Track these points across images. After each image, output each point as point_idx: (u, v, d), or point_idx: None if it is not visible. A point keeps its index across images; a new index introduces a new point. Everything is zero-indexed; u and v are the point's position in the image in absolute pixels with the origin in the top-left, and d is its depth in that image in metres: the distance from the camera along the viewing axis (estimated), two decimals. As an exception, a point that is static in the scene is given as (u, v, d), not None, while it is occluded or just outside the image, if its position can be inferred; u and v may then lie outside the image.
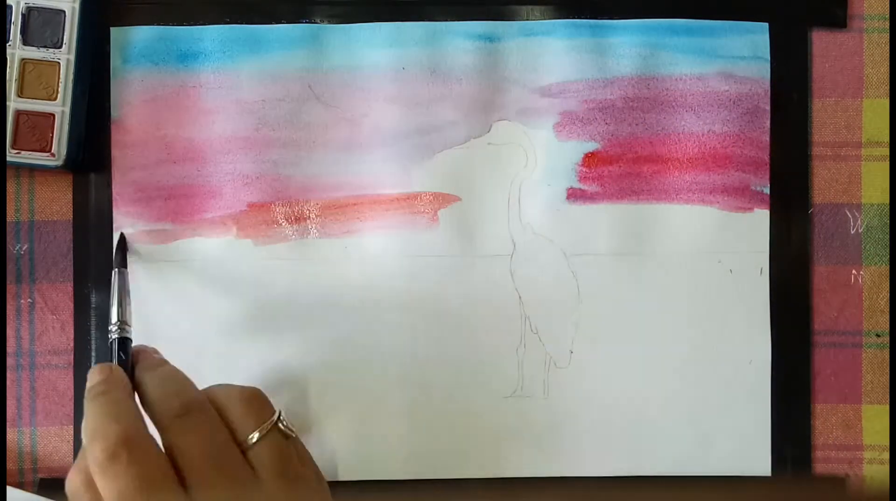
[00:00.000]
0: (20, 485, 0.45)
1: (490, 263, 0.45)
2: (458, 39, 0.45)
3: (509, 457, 0.45)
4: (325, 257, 0.45)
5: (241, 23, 0.45)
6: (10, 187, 0.45)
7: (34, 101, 0.43)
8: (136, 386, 0.39)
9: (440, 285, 0.45)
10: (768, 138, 0.45)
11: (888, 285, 0.45)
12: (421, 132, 0.45)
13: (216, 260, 0.45)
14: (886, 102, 0.45)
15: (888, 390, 0.45)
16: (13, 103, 0.43)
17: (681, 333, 0.45)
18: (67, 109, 0.43)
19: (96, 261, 0.45)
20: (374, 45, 0.45)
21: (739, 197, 0.45)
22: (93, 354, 0.45)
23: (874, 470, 0.45)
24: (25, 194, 0.45)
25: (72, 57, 0.43)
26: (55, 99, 0.43)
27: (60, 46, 0.43)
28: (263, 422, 0.38)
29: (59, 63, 0.43)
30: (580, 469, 0.45)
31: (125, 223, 0.45)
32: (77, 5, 0.43)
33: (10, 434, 0.45)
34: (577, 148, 0.45)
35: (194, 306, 0.45)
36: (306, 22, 0.45)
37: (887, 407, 0.45)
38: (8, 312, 0.45)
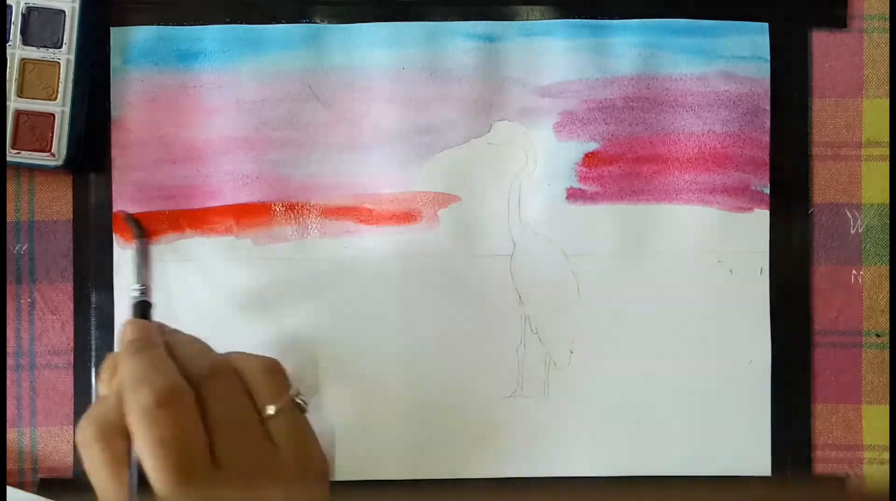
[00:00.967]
0: (20, 485, 0.45)
1: (490, 263, 0.45)
2: (458, 39, 0.45)
3: (509, 457, 0.45)
4: (325, 257, 0.45)
5: (242, 23, 0.45)
6: (10, 187, 0.45)
7: (34, 101, 0.43)
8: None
9: (440, 285, 0.45)
10: (768, 138, 0.45)
11: (888, 285, 0.45)
12: (421, 132, 0.45)
13: (216, 260, 0.45)
14: (886, 102, 0.45)
15: (888, 390, 0.45)
16: (13, 103, 0.43)
17: (681, 333, 0.45)
18: (67, 109, 0.43)
19: (96, 261, 0.45)
20: (374, 45, 0.45)
21: (739, 197, 0.45)
22: (93, 354, 0.45)
23: (874, 470, 0.45)
24: (25, 194, 0.45)
25: (72, 57, 0.43)
26: (55, 99, 0.43)
27: (60, 46, 0.43)
28: (282, 394, 0.38)
29: (59, 63, 0.43)
30: (580, 469, 0.45)
31: (125, 224, 0.45)
32: (77, 5, 0.43)
33: (10, 434, 0.45)
34: (576, 148, 0.45)
35: (194, 306, 0.45)
36: (306, 22, 0.45)
37: (887, 407, 0.45)
38: (8, 312, 0.45)
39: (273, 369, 0.39)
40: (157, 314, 0.45)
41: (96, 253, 0.45)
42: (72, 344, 0.45)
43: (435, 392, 0.45)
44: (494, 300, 0.45)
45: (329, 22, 0.45)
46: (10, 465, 0.45)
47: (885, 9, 0.45)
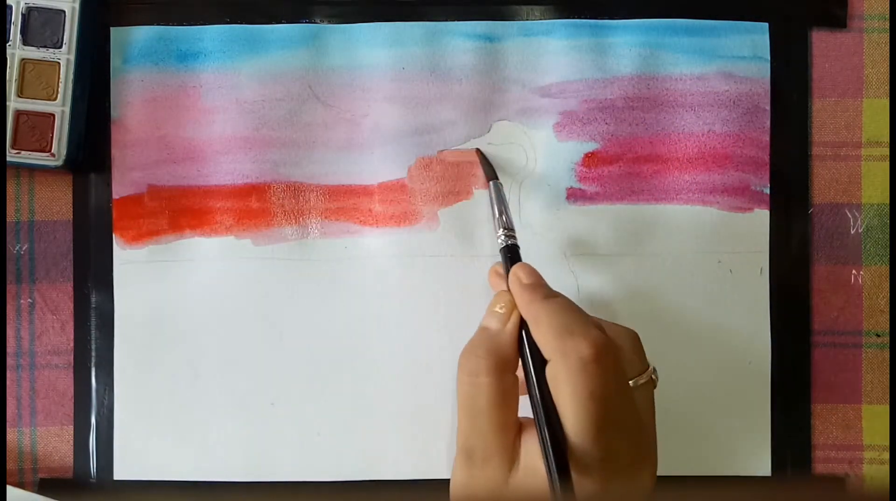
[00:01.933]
0: (20, 485, 0.45)
1: (490, 263, 0.45)
2: (458, 39, 0.45)
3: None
4: (325, 257, 0.45)
5: (241, 23, 0.45)
6: (10, 187, 0.45)
7: (34, 101, 0.43)
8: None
9: (440, 285, 0.45)
10: (768, 138, 0.45)
11: (888, 285, 0.45)
12: (421, 132, 0.45)
13: (216, 260, 0.45)
14: (886, 102, 0.45)
15: (888, 390, 0.45)
16: (13, 103, 0.43)
17: (680, 333, 0.45)
18: (67, 109, 0.44)
19: (96, 261, 0.45)
20: (374, 45, 0.45)
21: (739, 197, 0.45)
22: (93, 354, 0.45)
23: (874, 470, 0.45)
24: (25, 194, 0.45)
25: (72, 57, 0.43)
26: (55, 99, 0.43)
27: (60, 46, 0.43)
28: (646, 367, 0.39)
29: (59, 63, 0.43)
30: (580, 469, 0.45)
31: (125, 223, 0.45)
32: (77, 5, 0.43)
33: (10, 434, 0.45)
34: (576, 148, 0.45)
35: (194, 306, 0.45)
36: (306, 22, 0.45)
37: (887, 407, 0.45)
38: (8, 312, 0.45)
39: (638, 341, 0.39)
40: (157, 314, 0.45)
41: (96, 253, 0.45)
42: (72, 344, 0.45)
43: (435, 392, 0.45)
44: (494, 300, 0.45)
45: (329, 22, 0.45)
46: (10, 465, 0.45)
47: (885, 9, 0.45)
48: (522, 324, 0.37)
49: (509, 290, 0.39)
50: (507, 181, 0.45)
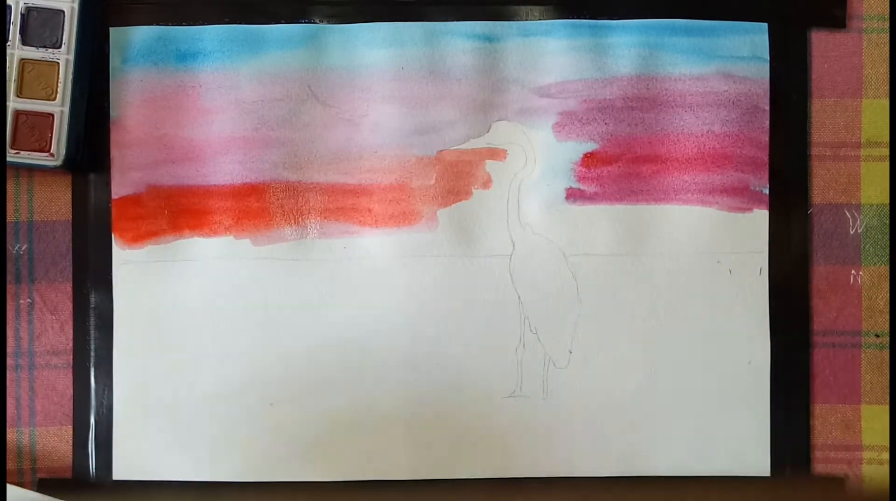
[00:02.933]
0: (20, 485, 0.45)
1: (489, 263, 0.45)
2: (458, 40, 0.45)
3: (509, 457, 0.45)
4: (325, 257, 0.45)
5: (241, 23, 0.45)
6: (10, 187, 0.45)
7: (33, 101, 0.43)
8: None
9: (439, 286, 0.45)
10: (767, 138, 0.45)
11: (887, 286, 0.45)
12: (420, 132, 0.45)
13: (215, 260, 0.45)
14: (886, 102, 0.45)
15: (887, 390, 0.45)
16: (12, 103, 0.43)
17: (680, 333, 0.45)
18: (66, 109, 0.43)
19: (95, 261, 0.45)
20: (374, 46, 0.45)
21: (739, 197, 0.45)
22: (92, 354, 0.45)
23: (873, 470, 0.45)
24: (25, 194, 0.45)
25: (71, 57, 0.43)
26: (54, 99, 0.43)
27: (60, 46, 0.43)
28: None
29: (58, 63, 0.43)
30: (579, 470, 0.45)
31: (124, 224, 0.45)
32: (76, 5, 0.43)
33: (10, 434, 0.45)
34: (576, 148, 0.45)
35: (193, 306, 0.45)
36: (305, 22, 0.45)
37: (887, 407, 0.45)
38: (7, 312, 0.45)
39: None
40: (156, 314, 0.45)
41: (95, 253, 0.45)
42: (71, 344, 0.45)
43: (434, 392, 0.45)
44: (494, 301, 0.45)
45: (328, 22, 0.45)
46: (9, 464, 0.45)
47: (885, 9, 0.45)
48: None
49: None
50: (507, 181, 0.45)
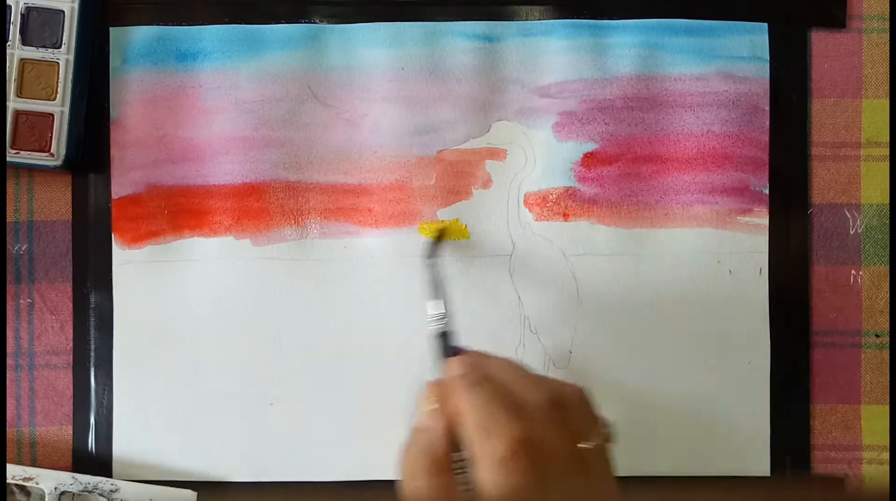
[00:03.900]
0: (19, 485, 0.45)
1: (490, 263, 0.45)
2: (458, 39, 0.45)
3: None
4: (325, 257, 0.45)
5: (241, 23, 0.45)
6: (10, 187, 0.45)
7: (33, 101, 0.43)
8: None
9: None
10: (767, 138, 0.45)
11: (887, 286, 0.45)
12: (420, 132, 0.45)
13: (215, 260, 0.45)
14: (886, 102, 0.45)
15: (887, 390, 0.45)
16: (12, 103, 0.43)
17: (680, 333, 0.45)
18: (66, 109, 0.43)
19: (95, 261, 0.45)
20: (374, 46, 0.45)
21: (739, 197, 0.45)
22: (91, 354, 0.45)
23: (873, 471, 0.45)
24: (25, 194, 0.45)
25: (71, 57, 0.43)
26: (54, 99, 0.43)
27: (59, 46, 0.43)
28: (598, 426, 0.37)
29: (58, 63, 0.43)
30: (579, 470, 0.45)
31: (124, 224, 0.45)
32: (76, 5, 0.43)
33: (10, 434, 0.45)
34: (576, 148, 0.45)
35: (193, 306, 0.45)
36: (305, 22, 0.45)
37: (887, 407, 0.45)
38: (7, 312, 0.45)
39: (589, 400, 0.38)
40: (156, 315, 0.45)
41: (95, 253, 0.45)
42: (71, 344, 0.45)
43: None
44: (494, 301, 0.45)
45: (328, 22, 0.45)
46: (9, 465, 0.45)
47: (885, 9, 0.45)
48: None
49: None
50: (507, 181, 0.45)
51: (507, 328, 0.45)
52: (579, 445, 0.36)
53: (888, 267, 0.45)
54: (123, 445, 0.45)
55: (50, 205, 0.45)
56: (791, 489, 0.43)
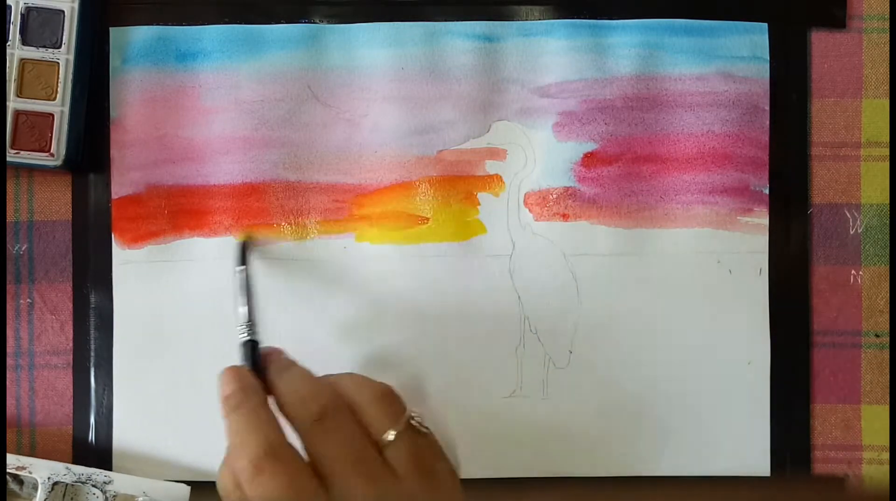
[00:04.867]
0: (19, 485, 0.45)
1: (489, 263, 0.45)
2: (457, 39, 0.45)
3: (509, 457, 0.45)
4: (325, 257, 0.45)
5: (240, 23, 0.45)
6: (10, 187, 0.45)
7: (33, 101, 0.43)
8: (269, 390, 0.38)
9: (440, 286, 0.45)
10: (768, 138, 0.45)
11: (888, 286, 0.45)
12: (420, 132, 0.45)
13: (215, 260, 0.45)
14: (886, 102, 0.45)
15: (888, 390, 0.45)
16: (12, 103, 0.43)
17: (680, 333, 0.45)
18: (66, 109, 0.43)
19: (95, 261, 0.45)
20: (374, 46, 0.45)
21: (739, 197, 0.45)
22: (91, 354, 0.45)
23: (873, 470, 0.45)
24: (25, 194, 0.45)
25: (71, 57, 0.43)
26: (54, 99, 0.43)
27: (59, 46, 0.43)
28: (397, 419, 0.37)
29: (58, 63, 0.43)
30: (579, 469, 0.45)
31: (124, 224, 0.45)
32: (76, 5, 0.43)
33: (9, 434, 0.45)
34: (576, 148, 0.45)
35: (193, 306, 0.45)
36: (305, 22, 0.45)
37: (887, 407, 0.45)
38: (7, 312, 0.45)
39: (384, 395, 0.38)
40: (156, 315, 0.45)
41: (95, 253, 0.45)
42: (71, 344, 0.45)
43: (434, 392, 0.45)
44: (494, 300, 0.45)
45: (328, 22, 0.45)
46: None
47: (885, 9, 0.45)
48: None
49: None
50: (507, 181, 0.45)
51: (507, 328, 0.45)
52: (384, 437, 0.37)
53: (888, 267, 0.45)
54: (123, 445, 0.45)
55: (50, 205, 0.45)
56: (791, 489, 0.43)
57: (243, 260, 0.42)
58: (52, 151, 0.43)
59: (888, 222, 0.45)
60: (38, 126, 0.43)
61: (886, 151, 0.45)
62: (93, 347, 0.45)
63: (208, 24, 0.45)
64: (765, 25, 0.45)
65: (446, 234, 0.45)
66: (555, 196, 0.45)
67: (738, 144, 0.45)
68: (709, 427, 0.45)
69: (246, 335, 0.40)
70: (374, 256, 0.45)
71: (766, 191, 0.45)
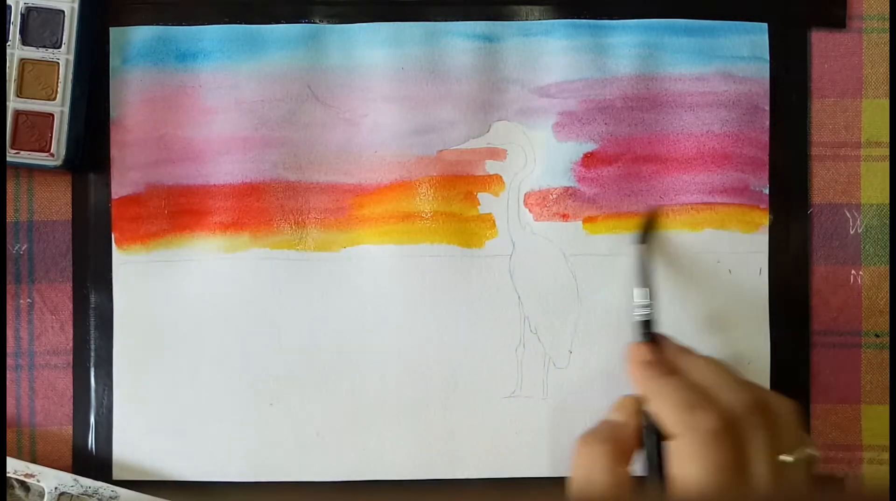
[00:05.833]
0: (19, 485, 0.45)
1: (489, 263, 0.45)
2: (458, 39, 0.45)
3: (509, 457, 0.45)
4: (324, 257, 0.45)
5: (241, 23, 0.45)
6: (10, 187, 0.45)
7: (33, 101, 0.43)
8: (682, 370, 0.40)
9: (439, 286, 0.45)
10: (767, 138, 0.45)
11: (887, 286, 0.45)
12: (420, 132, 0.45)
13: (215, 260, 0.45)
14: (886, 102, 0.45)
15: (887, 390, 0.45)
16: (12, 103, 0.43)
17: (680, 333, 0.45)
18: (66, 109, 0.43)
19: (95, 261, 0.45)
20: (374, 46, 0.45)
21: (739, 197, 0.45)
22: (92, 354, 0.45)
23: (873, 470, 0.45)
24: (25, 194, 0.45)
25: (71, 57, 0.43)
26: (54, 99, 0.43)
27: (59, 46, 0.43)
28: (803, 443, 0.37)
29: (58, 63, 0.43)
30: (579, 470, 0.45)
31: (124, 224, 0.45)
32: (76, 5, 0.43)
33: (9, 434, 0.45)
34: (576, 148, 0.45)
35: (193, 306, 0.45)
36: (305, 22, 0.45)
37: (887, 407, 0.45)
38: (7, 312, 0.45)
39: (800, 415, 0.39)
40: (156, 315, 0.45)
41: (95, 253, 0.45)
42: (71, 344, 0.45)
43: (434, 392, 0.45)
44: (494, 300, 0.45)
45: (328, 22, 0.45)
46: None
47: (885, 9, 0.45)
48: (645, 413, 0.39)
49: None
50: (507, 181, 0.45)
51: (507, 328, 0.45)
52: (780, 457, 0.37)
53: (888, 267, 0.45)
54: (123, 445, 0.45)
55: (50, 205, 0.45)
56: (791, 489, 0.43)
57: (643, 239, 0.44)
58: (52, 151, 0.43)
59: (888, 222, 0.45)
60: (38, 126, 0.43)
61: (886, 151, 0.45)
62: (93, 347, 0.45)
63: (208, 24, 0.45)
64: (765, 25, 0.45)
65: (446, 234, 0.45)
66: (555, 196, 0.45)
67: (738, 144, 0.45)
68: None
69: (644, 315, 0.42)
70: (374, 256, 0.45)
71: (766, 191, 0.45)
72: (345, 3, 0.45)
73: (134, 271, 0.45)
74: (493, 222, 0.45)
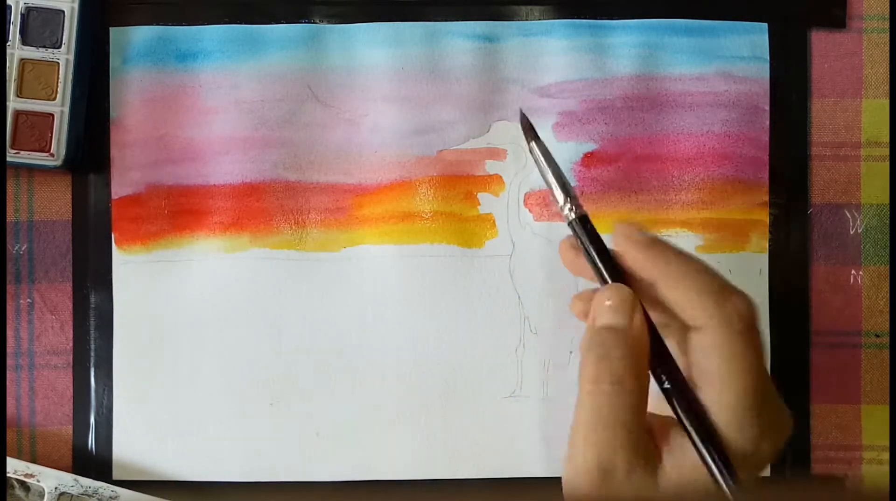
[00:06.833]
0: (19, 485, 0.45)
1: (489, 263, 0.45)
2: (458, 39, 0.45)
3: (509, 457, 0.45)
4: (324, 257, 0.45)
5: (241, 23, 0.45)
6: (10, 187, 0.45)
7: (33, 101, 0.43)
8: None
9: (439, 285, 0.45)
10: (768, 138, 0.45)
11: (888, 286, 0.45)
12: (420, 132, 0.45)
13: (215, 260, 0.45)
14: (886, 102, 0.45)
15: (887, 390, 0.45)
16: (12, 103, 0.43)
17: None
18: (66, 109, 0.43)
19: (95, 261, 0.45)
20: (374, 45, 0.45)
21: (739, 197, 0.45)
22: (92, 354, 0.45)
23: (873, 471, 0.45)
24: (24, 193, 0.45)
25: (71, 57, 0.43)
26: (54, 99, 0.43)
27: (59, 46, 0.43)
28: None
29: (58, 63, 0.43)
30: (579, 469, 0.45)
31: (124, 224, 0.45)
32: (76, 5, 0.43)
33: (9, 434, 0.45)
34: (575, 148, 0.45)
35: (194, 306, 0.45)
36: (305, 22, 0.45)
37: (886, 407, 0.45)
38: (7, 312, 0.45)
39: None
40: (156, 315, 0.45)
41: (95, 253, 0.45)
42: (71, 344, 0.45)
43: (434, 392, 0.45)
44: (494, 301, 0.45)
45: (328, 22, 0.45)
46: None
47: (885, 9, 0.45)
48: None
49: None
50: (507, 181, 0.45)
51: (506, 329, 0.45)
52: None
53: (888, 267, 0.45)
54: (123, 445, 0.45)
55: (50, 205, 0.45)
56: (790, 489, 0.43)
57: (535, 135, 0.37)
58: (52, 151, 0.43)
59: (888, 222, 0.45)
60: (38, 126, 0.43)
61: (886, 151, 0.45)
62: (93, 347, 0.45)
63: (208, 24, 0.45)
64: (765, 25, 0.45)
65: (446, 234, 0.45)
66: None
67: (738, 144, 0.45)
68: (709, 427, 0.45)
69: (574, 211, 0.36)
70: (374, 256, 0.45)
71: (766, 191, 0.45)
72: (345, 3, 0.45)
73: (134, 271, 0.45)
74: (493, 222, 0.45)
